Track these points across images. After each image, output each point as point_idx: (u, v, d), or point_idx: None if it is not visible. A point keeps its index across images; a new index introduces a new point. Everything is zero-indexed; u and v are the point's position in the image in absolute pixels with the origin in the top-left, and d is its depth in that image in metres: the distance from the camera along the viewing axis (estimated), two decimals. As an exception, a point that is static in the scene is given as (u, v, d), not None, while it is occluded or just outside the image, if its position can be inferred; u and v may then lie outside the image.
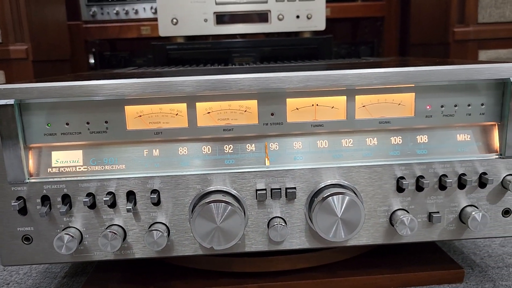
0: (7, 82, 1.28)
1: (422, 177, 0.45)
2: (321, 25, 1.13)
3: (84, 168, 0.45)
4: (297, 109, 0.45)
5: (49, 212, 0.44)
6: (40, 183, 0.43)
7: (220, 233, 0.43)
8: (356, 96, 0.45)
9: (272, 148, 0.45)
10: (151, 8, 1.82)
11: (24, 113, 0.43)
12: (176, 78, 0.43)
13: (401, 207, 0.46)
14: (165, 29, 1.10)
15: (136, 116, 0.44)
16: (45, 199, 0.44)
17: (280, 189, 0.45)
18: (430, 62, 0.51)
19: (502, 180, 0.46)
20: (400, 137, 0.46)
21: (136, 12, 1.83)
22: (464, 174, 0.45)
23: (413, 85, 0.45)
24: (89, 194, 0.44)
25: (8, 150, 0.42)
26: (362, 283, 0.50)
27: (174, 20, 1.12)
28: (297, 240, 0.46)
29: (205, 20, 1.12)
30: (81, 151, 0.45)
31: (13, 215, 0.44)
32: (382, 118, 0.45)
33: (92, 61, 1.90)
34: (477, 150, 0.46)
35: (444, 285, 0.50)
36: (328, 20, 1.40)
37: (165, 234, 0.44)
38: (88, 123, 0.44)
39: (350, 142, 0.46)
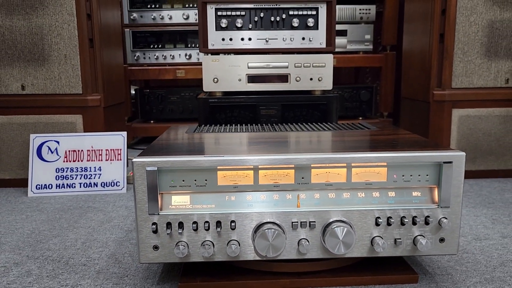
0: (84, 125, 1.62)
1: (390, 217, 0.76)
2: (329, 86, 1.45)
3: (190, 206, 0.76)
4: (317, 174, 0.76)
5: (170, 233, 0.75)
6: (166, 215, 0.75)
7: (272, 247, 0.73)
8: (353, 169, 0.76)
9: (301, 197, 0.77)
10: (186, 54, 2.15)
11: (160, 174, 0.74)
12: (247, 157, 0.74)
13: (378, 235, 0.77)
14: (208, 86, 1.42)
15: (223, 176, 0.75)
16: (168, 224, 0.75)
17: (306, 221, 0.76)
18: (400, 145, 0.83)
19: (439, 220, 0.76)
20: (378, 193, 0.77)
21: (173, 57, 2.16)
22: (416, 217, 0.76)
23: (386, 163, 0.76)
24: (194, 222, 0.75)
25: (150, 195, 0.74)
26: (354, 281, 0.81)
27: (215, 79, 1.44)
28: (315, 252, 0.77)
29: (239, 80, 1.44)
30: (189, 196, 0.76)
31: (149, 233, 0.75)
32: (367, 181, 0.76)
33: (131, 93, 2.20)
34: (424, 202, 0.77)
35: (405, 284, 0.81)
36: (335, 68, 1.73)
37: (238, 246, 0.74)
38: (195, 180, 0.75)
39: (348, 195, 0.77)
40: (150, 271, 0.87)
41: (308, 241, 0.76)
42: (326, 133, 1.01)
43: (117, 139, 1.46)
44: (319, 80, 1.45)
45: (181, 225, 0.75)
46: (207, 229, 0.75)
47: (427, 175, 0.77)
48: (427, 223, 0.77)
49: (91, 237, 1.06)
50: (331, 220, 0.76)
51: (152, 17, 2.15)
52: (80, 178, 1.45)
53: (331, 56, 1.40)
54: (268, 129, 1.08)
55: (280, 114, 1.42)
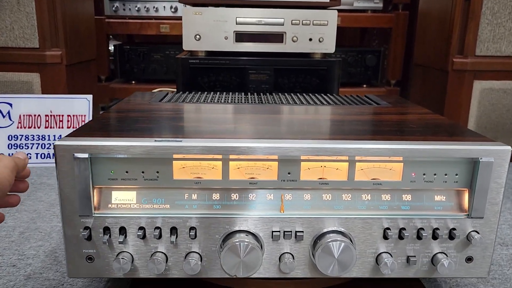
0: (42, 86, 1.40)
1: (404, 229, 0.57)
2: (331, 48, 1.23)
3: (137, 206, 0.56)
4: (308, 169, 0.57)
5: (109, 240, 0.56)
6: (103, 217, 0.55)
7: (243, 265, 0.55)
8: (356, 163, 0.56)
9: (286, 198, 0.57)
10: (171, 7, 1.91)
11: (94, 162, 0.54)
12: (214, 144, 0.54)
13: (386, 251, 0.58)
14: (188, 44, 1.20)
15: (180, 168, 0.56)
16: (106, 229, 0.56)
17: (291, 231, 0.57)
18: (420, 132, 0.62)
19: (468, 235, 0.58)
20: (389, 195, 0.58)
21: (156, 10, 1.92)
22: (437, 229, 0.57)
23: (401, 158, 0.56)
24: (141, 228, 0.56)
25: (80, 190, 0.54)
26: None
27: (197, 36, 1.22)
28: (301, 271, 0.58)
29: (226, 38, 1.22)
30: (135, 192, 0.56)
31: (80, 240, 0.56)
32: (376, 180, 0.57)
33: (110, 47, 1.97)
34: (450, 209, 0.58)
35: None
36: (339, 28, 1.49)
37: (199, 262, 0.56)
38: (143, 172, 0.55)
39: (348, 197, 0.58)
40: (94, 279, 0.69)
41: (293, 257, 0.57)
42: (324, 110, 0.80)
43: (81, 104, 1.25)
44: (320, 41, 1.22)
45: (123, 231, 0.56)
46: (159, 238, 0.56)
47: (456, 175, 0.57)
48: (451, 237, 0.58)
49: (32, 226, 0.88)
50: (324, 230, 0.57)
51: (133, -39, 1.88)
52: (37, 148, 1.25)
53: (335, 12, 1.17)
54: (253, 100, 0.88)
55: (272, 80, 1.20)
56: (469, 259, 0.59)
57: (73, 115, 1.25)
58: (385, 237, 0.57)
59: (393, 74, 1.98)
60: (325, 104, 0.84)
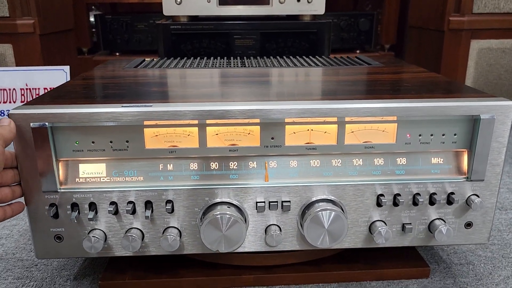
0: (16, 58, 1.31)
1: (398, 195, 0.53)
2: (320, 9, 1.16)
3: (107, 179, 0.52)
4: (294, 133, 0.51)
5: (78, 217, 0.51)
6: (70, 192, 0.50)
7: (225, 239, 0.50)
8: (346, 125, 0.51)
9: (271, 166, 0.52)
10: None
11: (56, 132, 0.49)
12: (188, 108, 0.48)
13: (379, 219, 0.54)
14: (169, 8, 1.13)
15: (153, 136, 0.50)
16: (74, 206, 0.51)
17: (277, 201, 0.52)
18: (415, 90, 0.57)
19: (467, 199, 0.53)
20: (382, 159, 0.53)
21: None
22: (435, 194, 0.53)
23: (396, 117, 0.51)
24: (112, 203, 0.51)
25: (42, 164, 0.49)
26: (343, 277, 0.59)
27: (178, 0, 1.14)
28: (289, 243, 0.54)
29: (208, 1, 1.15)
30: (104, 164, 0.51)
31: (46, 218, 0.51)
32: (368, 143, 0.52)
33: (92, 19, 1.86)
34: (448, 172, 0.54)
35: (412, 280, 0.59)
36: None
37: (178, 237, 0.51)
38: (111, 141, 0.50)
39: (338, 162, 0.53)
40: (69, 258, 0.65)
41: (280, 229, 0.53)
42: (313, 71, 0.74)
43: (58, 75, 1.18)
44: (309, 2, 1.15)
45: (93, 206, 0.51)
46: (133, 213, 0.52)
47: (454, 135, 0.52)
48: (450, 202, 0.53)
49: None
50: (313, 199, 0.52)
51: None
52: None
53: (323, -31, 1.10)
54: (236, 64, 0.82)
55: (259, 45, 1.14)
56: (468, 225, 0.55)
57: (50, 88, 1.18)
58: (379, 204, 0.53)
59: (387, 38, 1.90)
60: (313, 66, 0.78)
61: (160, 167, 0.52)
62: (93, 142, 0.50)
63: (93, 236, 0.50)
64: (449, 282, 0.59)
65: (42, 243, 0.52)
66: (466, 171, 0.53)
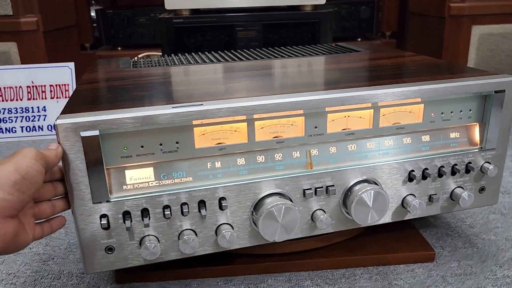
0: (21, 56, 1.23)
1: (426, 169, 0.58)
2: (321, -1, 1.17)
3: (156, 183, 0.50)
4: (333, 120, 0.54)
5: (130, 226, 0.49)
6: (121, 201, 0.49)
7: (282, 228, 0.52)
8: (380, 109, 0.55)
9: (313, 154, 0.55)
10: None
11: (104, 139, 0.47)
12: (239, 104, 0.49)
13: (410, 193, 0.58)
14: (170, 2, 1.09)
15: (201, 134, 0.50)
16: (126, 214, 0.49)
17: (322, 187, 0.55)
18: (436, 75, 0.63)
19: (481, 166, 0.60)
20: (410, 138, 0.58)
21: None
22: (456, 164, 0.59)
23: (420, 99, 0.56)
24: (166, 206, 0.50)
25: (92, 174, 0.47)
26: (350, 262, 0.62)
27: (181, -7, 1.10)
28: (331, 227, 0.57)
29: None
30: (152, 168, 0.50)
31: (97, 230, 0.49)
32: (398, 124, 0.56)
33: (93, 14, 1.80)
34: (464, 145, 0.60)
35: (418, 264, 0.63)
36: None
37: (234, 233, 0.52)
38: (161, 144, 0.49)
39: (372, 145, 0.56)
40: (98, 270, 0.62)
41: (325, 212, 0.56)
42: (315, 61, 0.77)
43: (63, 72, 1.16)
44: (309, -9, 1.16)
45: (145, 212, 0.50)
46: (186, 214, 0.51)
47: (470, 111, 0.58)
48: (467, 171, 0.60)
49: None
50: (354, 181, 0.55)
51: None
52: (22, 121, 1.18)
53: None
54: (247, 56, 0.82)
55: (261, 36, 1.13)
56: (482, 189, 0.62)
57: (56, 85, 1.16)
58: (411, 179, 0.58)
59: (388, 25, 1.86)
60: (300, 56, 0.81)
61: (208, 165, 0.52)
62: (142, 147, 0.49)
63: (150, 243, 0.49)
64: (454, 265, 0.62)
65: (92, 257, 0.50)
66: (479, 142, 0.60)
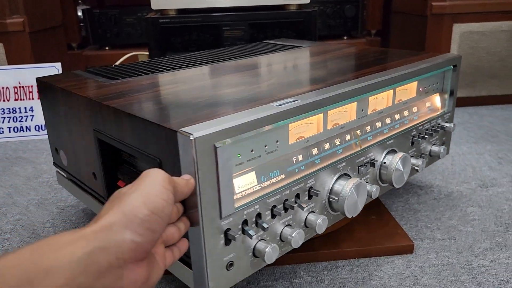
0: (8, 56, 1.22)
1: (420, 134, 0.72)
2: (306, -1, 1.16)
3: (259, 186, 0.50)
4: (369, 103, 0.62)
5: (247, 234, 0.48)
6: (241, 210, 0.47)
7: (358, 203, 0.58)
8: (396, 89, 0.66)
9: (358, 134, 0.62)
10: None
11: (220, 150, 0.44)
12: (323, 96, 0.53)
13: (412, 154, 0.72)
14: (157, 2, 1.05)
15: (292, 130, 0.52)
16: (244, 223, 0.47)
17: (368, 160, 0.62)
18: (391, 58, 0.76)
19: (444, 126, 0.77)
20: (407, 111, 0.70)
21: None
22: (433, 127, 0.75)
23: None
24: (274, 206, 0.50)
25: (223, 187, 0.44)
26: (332, 255, 0.66)
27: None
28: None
29: (195, -7, 1.04)
30: (254, 172, 0.49)
31: (220, 247, 0.46)
32: (403, 100, 0.68)
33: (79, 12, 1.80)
34: (434, 111, 0.76)
35: (397, 255, 0.66)
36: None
37: (326, 217, 0.55)
38: (265, 145, 0.49)
39: (389, 120, 0.67)
40: None
41: (369, 183, 0.64)
42: (301, 54, 0.83)
43: (50, 72, 1.15)
44: (294, -8, 1.14)
45: (259, 216, 0.49)
46: (286, 210, 0.52)
47: (437, 83, 0.75)
48: (436, 131, 0.76)
49: (9, 200, 0.85)
50: (386, 151, 0.65)
51: None
52: (8, 122, 1.19)
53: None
54: (221, 57, 0.80)
55: (247, 35, 1.10)
56: (443, 143, 0.79)
57: None
58: (412, 143, 0.71)
59: (373, 24, 1.87)
60: (263, 53, 0.85)
61: (294, 160, 0.54)
62: (252, 151, 0.48)
63: (270, 245, 0.49)
64: (432, 256, 0.65)
65: (217, 277, 0.46)
66: (441, 107, 0.77)
